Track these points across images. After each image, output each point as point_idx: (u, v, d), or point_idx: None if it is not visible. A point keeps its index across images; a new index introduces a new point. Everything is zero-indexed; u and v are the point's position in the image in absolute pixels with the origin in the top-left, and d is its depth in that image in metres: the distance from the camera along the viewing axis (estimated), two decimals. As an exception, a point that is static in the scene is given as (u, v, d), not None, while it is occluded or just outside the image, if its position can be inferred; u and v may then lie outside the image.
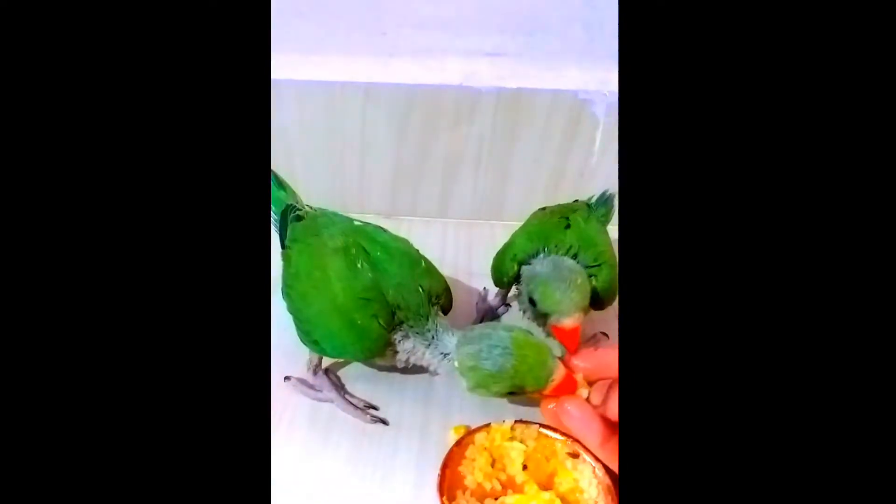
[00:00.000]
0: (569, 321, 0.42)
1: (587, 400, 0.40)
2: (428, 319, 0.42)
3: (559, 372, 0.39)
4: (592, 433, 0.38)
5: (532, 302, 0.44)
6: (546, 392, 0.39)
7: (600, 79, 0.57)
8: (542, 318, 0.44)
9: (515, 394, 0.40)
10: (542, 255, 0.46)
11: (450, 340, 0.41)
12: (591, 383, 0.41)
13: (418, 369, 0.44)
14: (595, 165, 0.62)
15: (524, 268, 0.46)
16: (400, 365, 0.44)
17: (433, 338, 0.42)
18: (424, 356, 0.42)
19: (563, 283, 0.42)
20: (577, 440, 0.41)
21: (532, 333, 0.40)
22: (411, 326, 0.42)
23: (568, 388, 0.39)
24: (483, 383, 0.39)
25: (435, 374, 0.44)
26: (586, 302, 0.43)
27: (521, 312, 0.49)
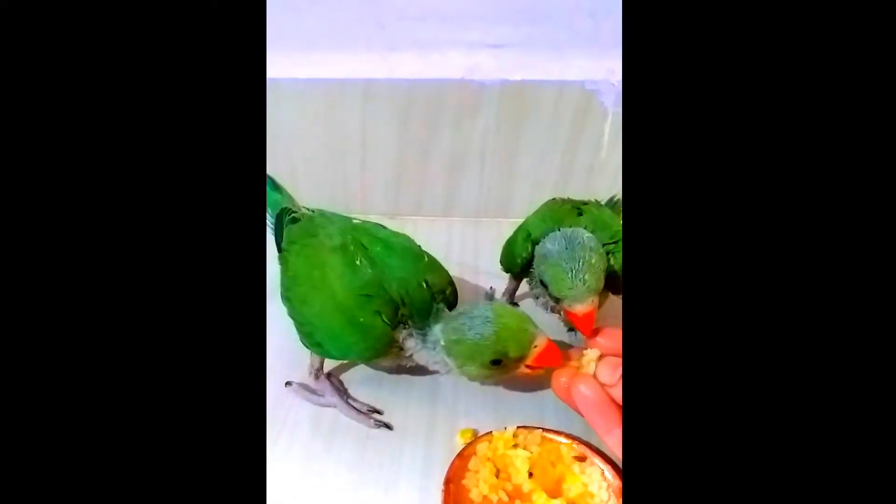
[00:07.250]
0: (580, 307, 0.39)
1: (594, 376, 0.38)
2: (430, 317, 0.40)
3: (541, 339, 0.38)
4: (603, 418, 0.37)
5: (543, 284, 0.42)
6: (529, 360, 0.38)
7: (608, 68, 0.55)
8: (557, 301, 0.41)
9: (501, 364, 0.38)
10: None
11: (438, 330, 0.40)
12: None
13: (423, 370, 0.43)
14: (605, 159, 0.60)
15: (537, 247, 0.43)
16: (406, 364, 0.43)
17: (427, 334, 0.41)
18: (422, 353, 0.41)
19: (575, 264, 0.39)
20: (583, 441, 0.40)
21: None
22: (414, 323, 0.41)
23: (552, 358, 0.39)
24: (468, 354, 0.38)
25: (437, 371, 0.43)
26: (600, 284, 0.40)
27: (535, 299, 0.46)
